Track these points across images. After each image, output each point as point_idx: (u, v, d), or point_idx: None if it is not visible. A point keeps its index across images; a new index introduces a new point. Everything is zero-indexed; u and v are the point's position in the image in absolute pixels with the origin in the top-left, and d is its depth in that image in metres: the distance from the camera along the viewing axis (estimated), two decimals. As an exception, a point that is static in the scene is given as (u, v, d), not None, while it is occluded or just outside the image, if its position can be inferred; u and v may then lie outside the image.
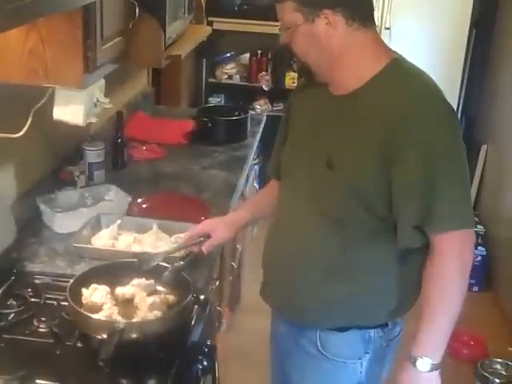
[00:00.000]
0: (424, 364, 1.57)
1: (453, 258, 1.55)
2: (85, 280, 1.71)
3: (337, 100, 1.64)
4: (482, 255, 3.91)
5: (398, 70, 1.59)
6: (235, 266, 2.92)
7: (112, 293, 1.71)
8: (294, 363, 1.79)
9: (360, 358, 1.73)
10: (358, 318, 1.69)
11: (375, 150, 1.54)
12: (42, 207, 2.20)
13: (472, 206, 1.63)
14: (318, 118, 1.68)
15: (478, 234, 3.98)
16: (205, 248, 1.88)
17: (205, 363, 1.70)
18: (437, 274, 1.57)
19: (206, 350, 1.74)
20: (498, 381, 3.13)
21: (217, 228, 1.90)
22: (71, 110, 1.93)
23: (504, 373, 3.21)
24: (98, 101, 2.02)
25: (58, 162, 2.47)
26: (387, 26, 4.45)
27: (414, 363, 1.57)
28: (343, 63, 1.59)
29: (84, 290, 1.68)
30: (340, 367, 1.73)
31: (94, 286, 1.70)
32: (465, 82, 4.57)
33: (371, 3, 1.63)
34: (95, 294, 1.68)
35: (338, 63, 1.59)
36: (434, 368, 1.57)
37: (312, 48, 1.58)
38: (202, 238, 1.88)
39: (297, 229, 1.70)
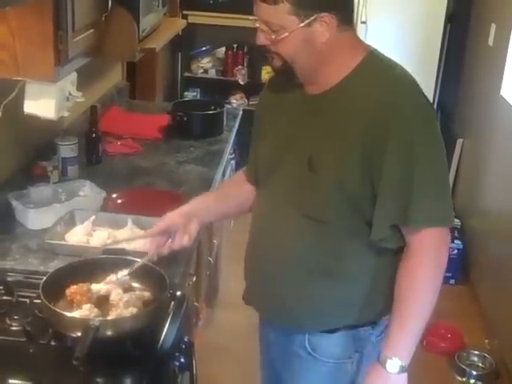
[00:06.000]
0: (393, 365, 1.55)
1: (428, 256, 1.54)
2: (58, 277, 1.67)
3: (313, 100, 1.61)
4: (458, 248, 3.93)
5: (374, 63, 1.58)
6: (212, 261, 2.90)
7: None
8: (286, 367, 1.77)
9: (351, 357, 1.70)
10: (347, 318, 1.66)
11: (357, 150, 1.52)
12: (15, 203, 2.16)
13: (452, 203, 1.60)
14: (296, 118, 1.65)
15: (454, 228, 4.00)
16: (165, 249, 1.72)
17: (182, 360, 1.68)
18: (411, 272, 1.55)
19: (184, 346, 1.72)
20: (475, 373, 3.16)
21: (180, 227, 1.70)
22: (42, 103, 1.90)
23: (481, 365, 3.24)
24: (70, 94, 2.00)
25: (31, 157, 2.42)
26: (363, 19, 4.44)
27: (383, 364, 1.56)
28: (328, 64, 1.57)
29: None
30: (332, 368, 1.70)
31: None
32: (440, 76, 4.59)
33: (353, 4, 1.61)
34: None
35: (324, 64, 1.57)
36: (402, 370, 1.56)
37: (302, 51, 1.54)
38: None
39: (279, 233, 1.66)
